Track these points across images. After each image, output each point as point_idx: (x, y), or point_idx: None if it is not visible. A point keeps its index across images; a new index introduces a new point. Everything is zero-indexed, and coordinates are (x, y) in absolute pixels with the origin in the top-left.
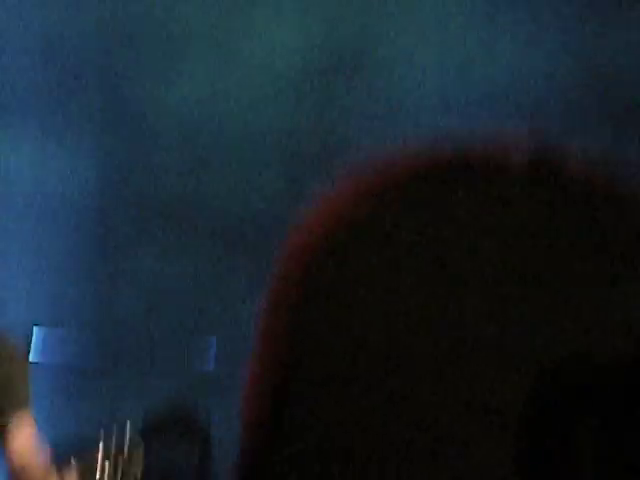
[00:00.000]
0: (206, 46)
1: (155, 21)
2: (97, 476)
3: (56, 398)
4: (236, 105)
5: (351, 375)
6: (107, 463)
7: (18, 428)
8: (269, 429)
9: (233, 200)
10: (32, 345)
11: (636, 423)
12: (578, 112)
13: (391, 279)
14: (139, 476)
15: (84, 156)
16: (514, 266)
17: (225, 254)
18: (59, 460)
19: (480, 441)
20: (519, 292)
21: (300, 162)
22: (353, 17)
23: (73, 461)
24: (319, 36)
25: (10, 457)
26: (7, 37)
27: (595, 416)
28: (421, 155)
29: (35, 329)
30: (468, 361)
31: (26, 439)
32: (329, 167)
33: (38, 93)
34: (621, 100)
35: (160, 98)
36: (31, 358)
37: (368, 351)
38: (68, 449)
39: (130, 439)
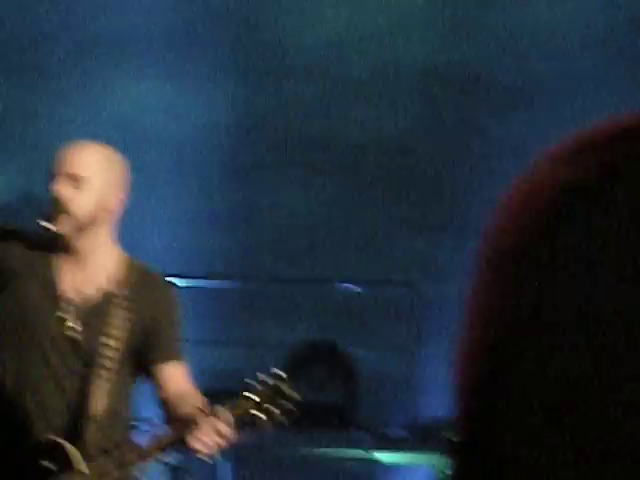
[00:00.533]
0: None
1: None
2: (252, 414)
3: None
4: (372, 42)
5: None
6: (257, 400)
7: (172, 364)
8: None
9: (368, 136)
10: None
11: None
12: None
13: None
14: (294, 411)
15: (221, 97)
16: None
17: (360, 189)
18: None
19: None
20: None
21: (436, 98)
22: None
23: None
24: None
25: (166, 388)
26: None
27: None
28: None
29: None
30: None
31: (181, 373)
32: (465, 104)
33: (178, 36)
34: None
35: (296, 40)
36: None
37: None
38: (216, 384)
39: (282, 376)
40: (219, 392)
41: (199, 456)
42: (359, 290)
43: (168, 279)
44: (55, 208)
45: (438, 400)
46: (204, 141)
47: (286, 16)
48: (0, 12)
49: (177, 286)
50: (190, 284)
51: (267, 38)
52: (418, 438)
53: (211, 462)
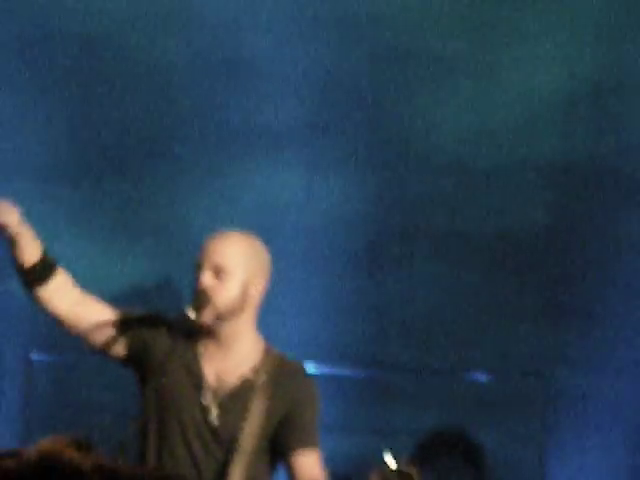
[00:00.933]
0: (471, 75)
1: (422, 53)
2: None
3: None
4: (501, 134)
5: None
6: None
7: (307, 452)
8: None
9: (497, 228)
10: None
11: None
12: None
13: None
14: None
15: (354, 188)
16: None
17: (488, 279)
18: None
19: None
20: None
21: (570, 194)
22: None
23: None
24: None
25: (299, 476)
26: (276, 75)
27: None
28: None
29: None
30: None
31: (315, 461)
32: (600, 199)
33: (311, 127)
34: None
35: (428, 135)
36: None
37: None
38: (346, 470)
39: (406, 460)
40: (348, 478)
41: None
42: (487, 379)
43: (306, 368)
44: (200, 299)
45: None
46: (336, 231)
47: (418, 112)
48: (138, 98)
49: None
50: (320, 371)
51: (399, 132)
52: None
53: None
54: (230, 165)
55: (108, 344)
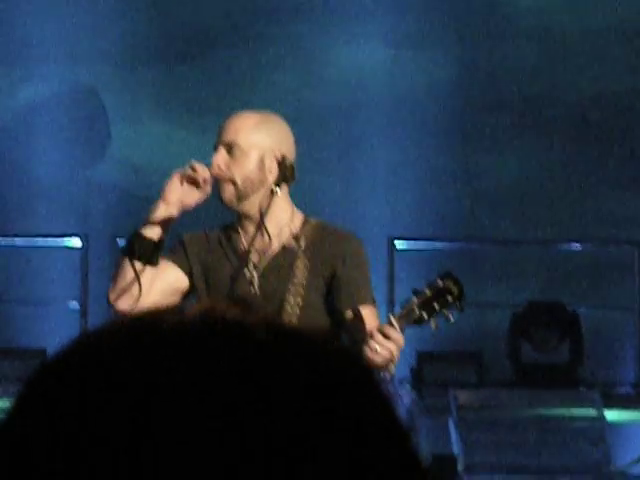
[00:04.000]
0: None
1: None
2: (416, 313)
3: None
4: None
5: None
6: (419, 300)
7: (363, 313)
8: None
9: (588, 95)
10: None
11: None
12: None
13: None
14: (457, 304)
15: (441, 58)
16: None
17: (582, 148)
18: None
19: None
20: None
21: None
22: None
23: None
24: None
25: (355, 331)
26: None
27: None
28: None
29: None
30: None
31: (371, 316)
32: None
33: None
34: None
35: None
36: None
37: None
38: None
39: (441, 275)
40: (440, 352)
41: (379, 370)
42: (582, 249)
43: (350, 232)
44: (217, 180)
45: None
46: (424, 102)
47: None
48: None
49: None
50: (411, 246)
51: (483, 0)
52: None
53: (390, 374)
54: (312, 41)
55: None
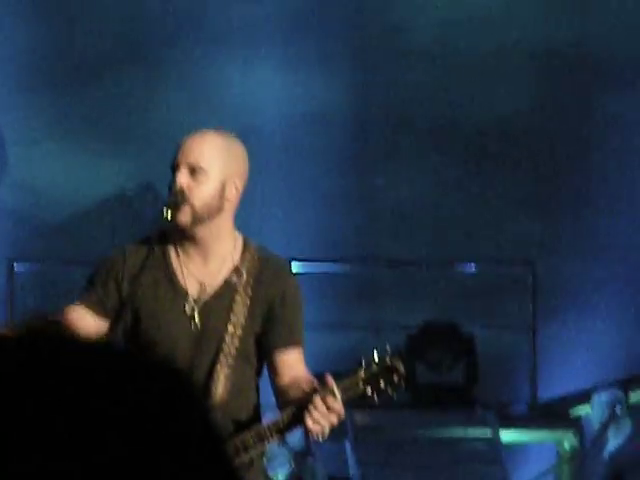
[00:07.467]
0: None
1: None
2: (360, 387)
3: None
4: (484, 20)
5: None
6: (365, 374)
7: (290, 350)
8: None
9: (485, 118)
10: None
11: None
12: None
13: None
14: (402, 384)
15: (337, 82)
16: None
17: (477, 170)
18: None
19: None
20: None
21: (552, 77)
22: None
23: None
24: None
25: (282, 374)
26: None
27: None
28: None
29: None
30: None
31: (298, 359)
32: (581, 82)
33: (289, 22)
34: None
35: (409, 23)
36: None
37: None
38: (336, 367)
39: (391, 351)
40: (339, 375)
41: (314, 436)
42: (476, 269)
43: (288, 264)
44: (176, 199)
45: (558, 377)
46: (321, 126)
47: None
48: (112, 4)
49: (296, 271)
50: (308, 268)
51: (379, 22)
52: (540, 416)
53: (322, 440)
54: (207, 63)
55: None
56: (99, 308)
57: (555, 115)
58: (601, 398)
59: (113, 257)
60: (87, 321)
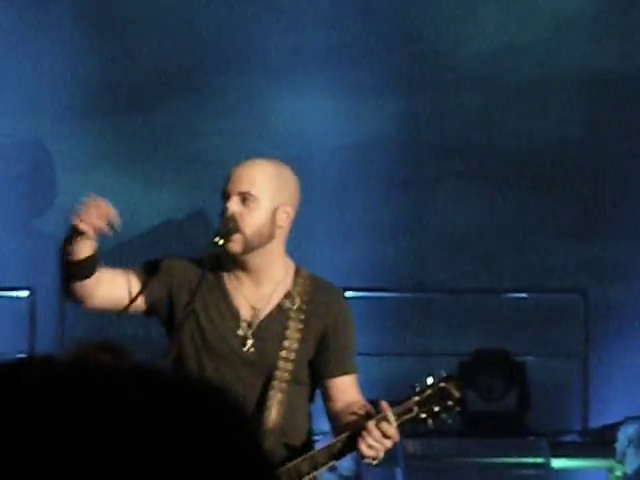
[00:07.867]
0: None
1: None
2: (415, 412)
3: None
4: (532, 48)
5: None
6: (420, 399)
7: (344, 377)
8: None
9: (530, 145)
10: None
11: None
12: None
13: None
14: (457, 409)
15: (384, 110)
16: None
17: (525, 197)
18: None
19: None
20: None
21: (603, 107)
22: None
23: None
24: None
25: (336, 401)
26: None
27: None
28: None
29: None
30: None
31: (352, 386)
32: (630, 110)
33: (339, 50)
34: None
35: (458, 51)
36: None
37: None
38: (388, 395)
39: (445, 376)
40: (391, 402)
41: (367, 461)
42: (528, 298)
43: (341, 290)
44: (227, 227)
45: (611, 405)
46: (367, 153)
47: (447, 28)
48: (163, 34)
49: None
50: (358, 295)
51: (428, 50)
52: (592, 443)
53: (375, 464)
54: (258, 92)
55: (133, 303)
56: (139, 291)
57: (603, 142)
58: (627, 429)
59: (177, 262)
60: (116, 288)
